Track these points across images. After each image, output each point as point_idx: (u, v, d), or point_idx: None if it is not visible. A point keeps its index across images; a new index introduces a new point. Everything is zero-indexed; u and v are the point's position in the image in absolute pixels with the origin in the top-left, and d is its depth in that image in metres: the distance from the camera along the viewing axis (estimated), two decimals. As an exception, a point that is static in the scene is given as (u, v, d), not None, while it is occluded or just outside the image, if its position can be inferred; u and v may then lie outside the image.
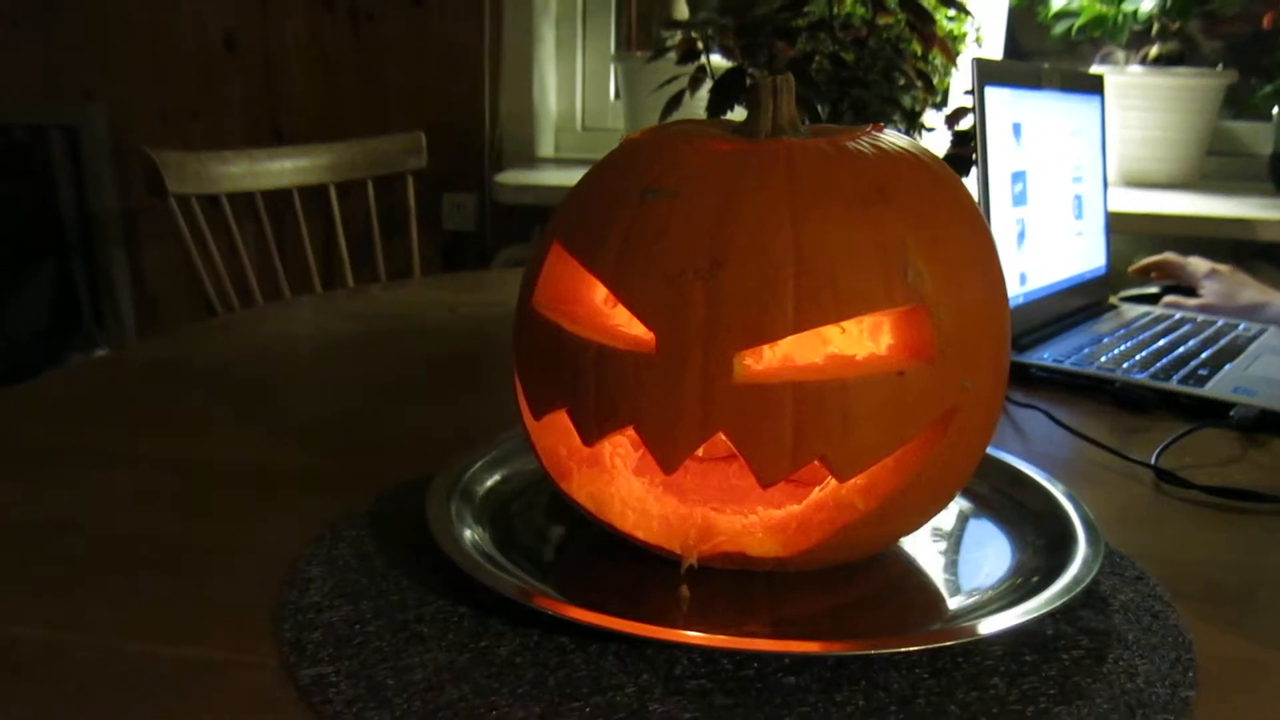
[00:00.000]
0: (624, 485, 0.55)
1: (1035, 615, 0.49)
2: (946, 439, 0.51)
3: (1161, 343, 1.04)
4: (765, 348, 0.49)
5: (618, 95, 2.08)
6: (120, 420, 0.80)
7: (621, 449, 0.57)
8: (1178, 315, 1.17)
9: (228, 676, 0.46)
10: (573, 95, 2.09)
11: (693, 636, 0.47)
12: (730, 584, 0.55)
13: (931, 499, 0.54)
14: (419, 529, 0.57)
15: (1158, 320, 1.15)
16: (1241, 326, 1.13)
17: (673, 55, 1.24)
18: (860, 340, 0.50)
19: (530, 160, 2.03)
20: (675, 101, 1.21)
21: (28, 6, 2.24)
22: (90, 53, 2.24)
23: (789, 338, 0.49)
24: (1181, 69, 1.82)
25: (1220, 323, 1.14)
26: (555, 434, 0.55)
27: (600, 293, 0.52)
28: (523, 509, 0.63)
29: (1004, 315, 0.54)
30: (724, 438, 0.49)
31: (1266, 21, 1.91)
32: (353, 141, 1.69)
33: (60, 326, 2.22)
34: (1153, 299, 1.27)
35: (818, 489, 0.53)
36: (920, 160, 0.53)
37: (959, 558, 0.60)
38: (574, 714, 0.44)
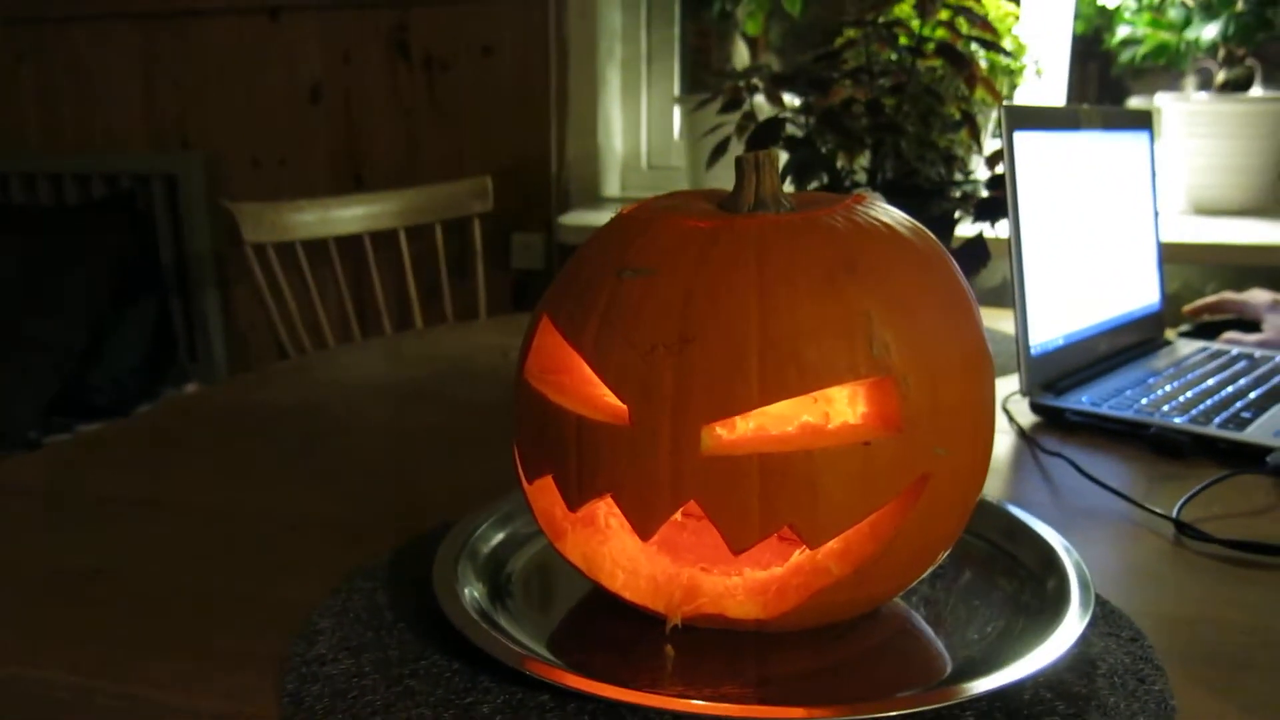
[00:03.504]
0: (617, 545, 0.57)
1: (1006, 683, 0.50)
2: (920, 505, 0.52)
3: (1211, 382, 1.02)
4: (737, 417, 0.51)
5: (681, 134, 2.12)
6: (179, 469, 0.85)
7: (616, 511, 0.59)
8: (1235, 351, 1.15)
9: (230, 729, 0.50)
10: (638, 136, 2.13)
11: (660, 701, 0.49)
12: (718, 643, 0.56)
13: (909, 563, 0.55)
14: (427, 583, 0.60)
15: (1213, 357, 1.12)
16: (1300, 364, 1.09)
17: (722, 108, 1.26)
18: (834, 409, 0.52)
19: (595, 200, 2.07)
20: (721, 148, 1.24)
21: (130, 66, 2.38)
22: (188, 106, 2.37)
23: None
24: (1249, 95, 1.78)
25: (1278, 359, 1.11)
26: (548, 497, 0.58)
27: (585, 365, 0.55)
28: (526, 564, 0.65)
29: (985, 382, 0.55)
30: (697, 507, 0.51)
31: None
32: (421, 188, 1.75)
33: (158, 361, 2.34)
34: (1213, 333, 1.24)
35: (797, 553, 0.54)
36: (895, 233, 0.54)
37: (952, 617, 0.60)
38: (541, 773, 0.46)
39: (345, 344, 1.46)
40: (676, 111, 2.13)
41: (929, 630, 0.59)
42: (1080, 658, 0.55)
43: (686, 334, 0.50)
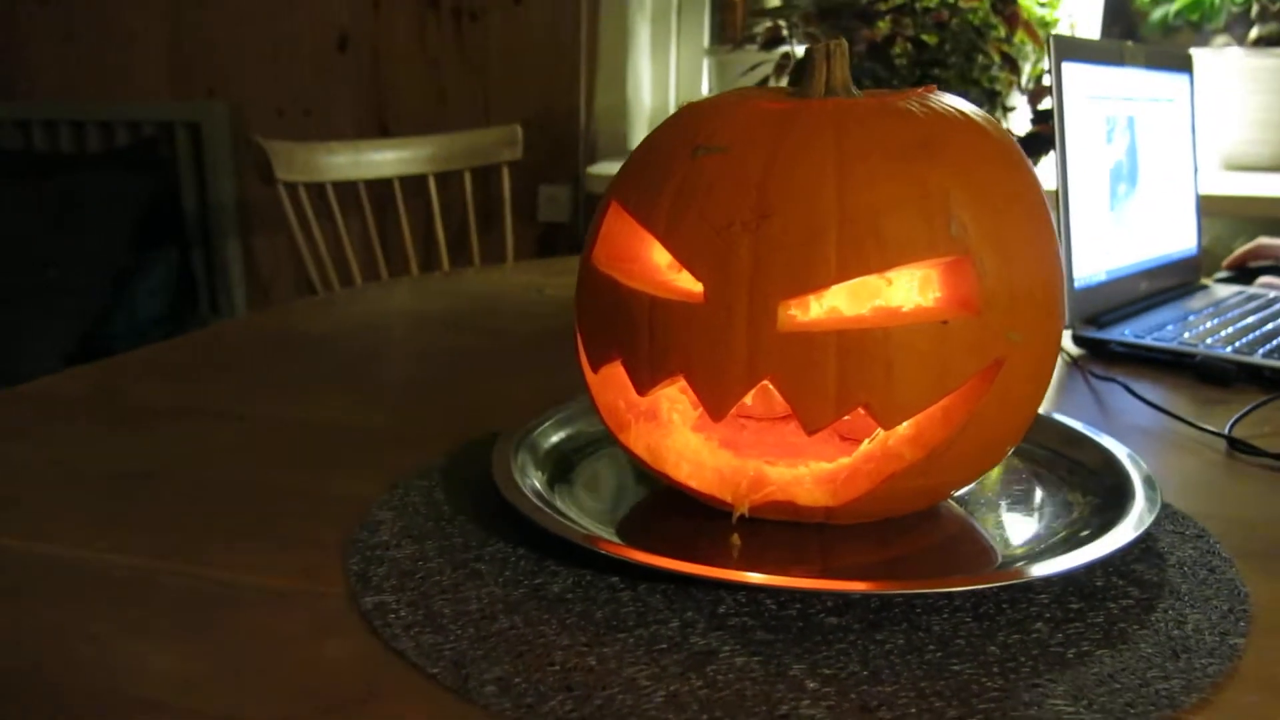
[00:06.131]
0: (680, 439, 0.57)
1: (1082, 563, 0.50)
2: (994, 390, 0.51)
3: (1250, 319, 1.01)
4: (812, 299, 0.50)
5: (710, 89, 2.11)
6: (225, 382, 0.85)
7: (680, 405, 0.59)
8: (1271, 294, 1.14)
9: (297, 603, 0.50)
10: (666, 89, 2.12)
11: (734, 574, 0.49)
12: (783, 536, 0.56)
13: (980, 451, 0.54)
14: (485, 480, 0.60)
15: (1249, 299, 1.11)
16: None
17: (760, 45, 1.25)
18: (907, 293, 0.51)
19: (623, 153, 2.06)
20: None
21: (155, 11, 2.37)
22: (213, 54, 2.36)
23: (836, 289, 0.50)
24: (1280, 50, 1.77)
25: (1317, 303, 1.10)
26: (613, 388, 0.58)
27: (654, 249, 0.54)
28: (585, 464, 0.65)
29: (1055, 270, 0.54)
30: (771, 386, 0.51)
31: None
32: (452, 134, 1.75)
33: (178, 311, 2.34)
34: (1247, 279, 1.24)
35: (867, 441, 0.54)
36: (969, 118, 0.53)
37: (1014, 516, 0.60)
38: (618, 644, 0.46)
39: (372, 281, 1.46)
40: (705, 65, 2.11)
41: (993, 530, 0.59)
42: (1149, 550, 0.55)
43: (764, 209, 0.49)
